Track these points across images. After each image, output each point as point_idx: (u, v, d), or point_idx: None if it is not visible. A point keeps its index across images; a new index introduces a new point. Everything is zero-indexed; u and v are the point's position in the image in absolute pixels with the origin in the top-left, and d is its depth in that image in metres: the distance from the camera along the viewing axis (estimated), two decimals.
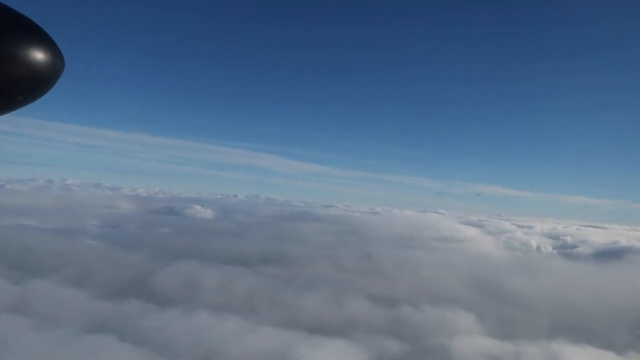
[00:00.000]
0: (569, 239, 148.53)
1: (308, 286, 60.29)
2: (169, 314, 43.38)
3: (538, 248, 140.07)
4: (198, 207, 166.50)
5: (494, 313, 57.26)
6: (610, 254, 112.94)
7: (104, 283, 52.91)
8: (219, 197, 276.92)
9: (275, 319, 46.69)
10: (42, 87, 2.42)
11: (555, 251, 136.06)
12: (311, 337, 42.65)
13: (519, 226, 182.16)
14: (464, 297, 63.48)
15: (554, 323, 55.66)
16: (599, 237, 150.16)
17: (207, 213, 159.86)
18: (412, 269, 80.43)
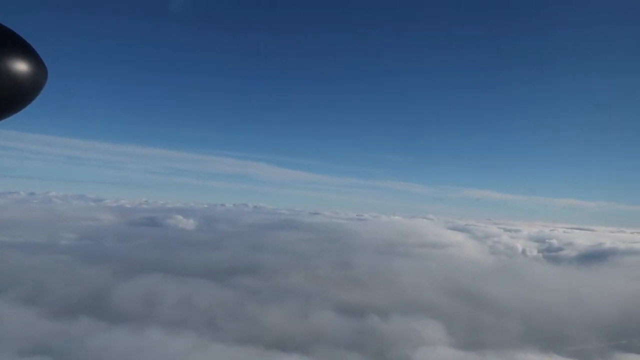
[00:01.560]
0: (554, 242, 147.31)
1: (275, 298, 58.39)
2: (119, 332, 41.27)
3: (523, 252, 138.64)
4: (180, 217, 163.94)
5: (465, 321, 55.61)
6: (593, 257, 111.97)
7: (58, 300, 50.67)
8: (205, 206, 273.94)
9: (233, 335, 44.75)
10: (25, 99, 2.42)
11: (540, 254, 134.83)
12: (267, 353, 40.78)
13: (505, 230, 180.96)
14: (437, 305, 61.80)
15: (527, 330, 54.08)
16: (585, 239, 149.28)
17: (189, 223, 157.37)
18: (389, 277, 78.68)
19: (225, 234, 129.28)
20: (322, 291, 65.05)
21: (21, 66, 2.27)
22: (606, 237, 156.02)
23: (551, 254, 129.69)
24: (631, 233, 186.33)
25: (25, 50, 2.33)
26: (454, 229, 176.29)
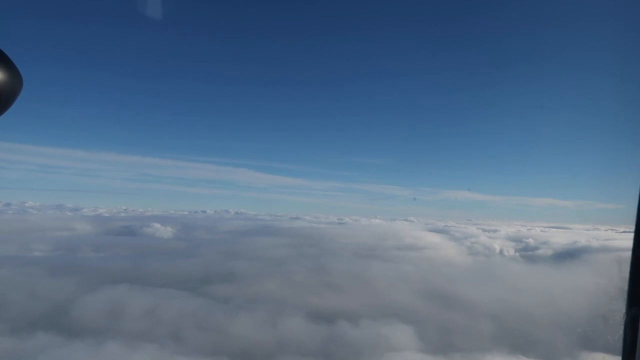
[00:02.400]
0: (531, 241, 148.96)
1: (245, 306, 57.50)
2: (75, 347, 40.03)
3: (501, 252, 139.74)
4: (157, 225, 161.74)
5: (436, 324, 55.43)
6: (568, 255, 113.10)
7: (17, 315, 49.09)
8: (186, 213, 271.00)
9: (196, 346, 43.77)
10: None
11: (517, 254, 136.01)
12: None
13: (484, 230, 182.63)
14: (409, 309, 61.62)
15: (497, 332, 54.15)
16: (561, 237, 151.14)
17: (167, 231, 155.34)
18: (363, 282, 78.33)
19: (201, 241, 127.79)
20: (294, 298, 64.37)
21: None
22: (581, 235, 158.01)
23: (527, 253, 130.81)
24: (605, 230, 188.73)
25: None
26: (433, 230, 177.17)
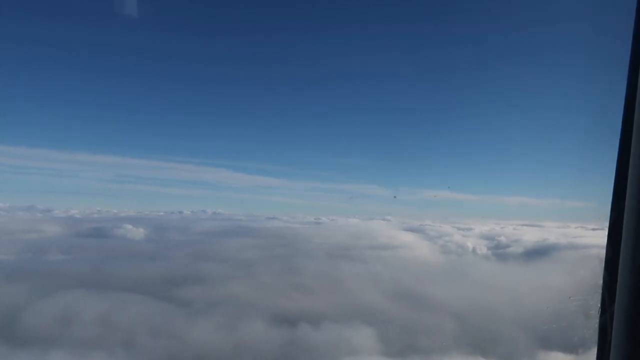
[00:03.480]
0: (503, 239, 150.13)
1: (206, 310, 56.23)
2: (18, 357, 38.29)
3: (473, 250, 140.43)
4: (129, 226, 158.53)
5: (401, 326, 54.95)
6: (537, 252, 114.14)
7: None
8: (161, 214, 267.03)
9: (149, 353, 42.45)
10: None
11: (489, 252, 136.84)
12: None
13: (459, 229, 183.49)
14: (375, 310, 61.11)
15: (461, 332, 53.95)
16: (532, 235, 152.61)
17: (138, 233, 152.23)
18: (332, 282, 77.65)
19: (172, 242, 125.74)
20: (259, 300, 63.37)
21: None
22: (552, 232, 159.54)
23: (499, 251, 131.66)
24: (575, 228, 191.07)
25: None
26: (408, 229, 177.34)
